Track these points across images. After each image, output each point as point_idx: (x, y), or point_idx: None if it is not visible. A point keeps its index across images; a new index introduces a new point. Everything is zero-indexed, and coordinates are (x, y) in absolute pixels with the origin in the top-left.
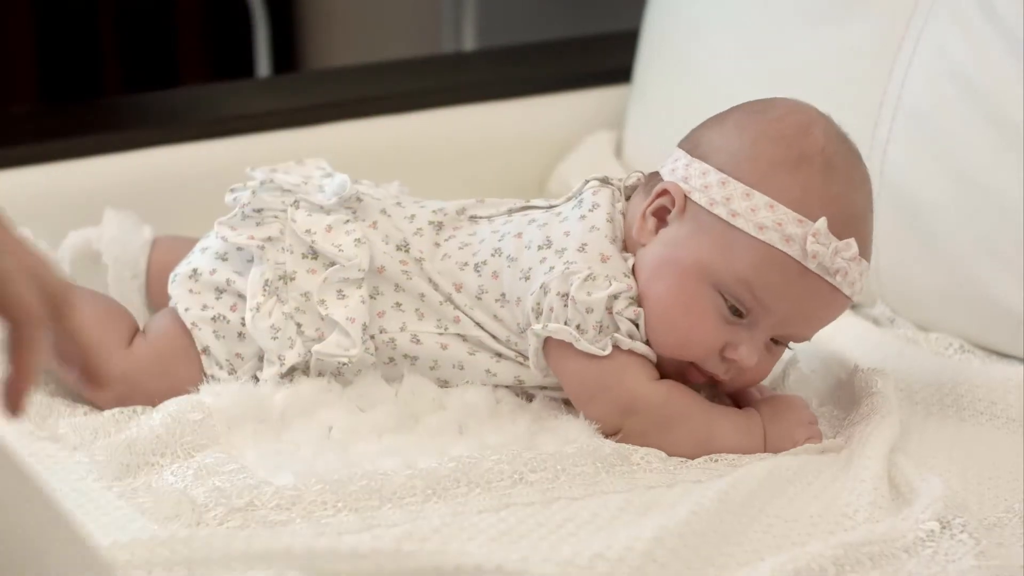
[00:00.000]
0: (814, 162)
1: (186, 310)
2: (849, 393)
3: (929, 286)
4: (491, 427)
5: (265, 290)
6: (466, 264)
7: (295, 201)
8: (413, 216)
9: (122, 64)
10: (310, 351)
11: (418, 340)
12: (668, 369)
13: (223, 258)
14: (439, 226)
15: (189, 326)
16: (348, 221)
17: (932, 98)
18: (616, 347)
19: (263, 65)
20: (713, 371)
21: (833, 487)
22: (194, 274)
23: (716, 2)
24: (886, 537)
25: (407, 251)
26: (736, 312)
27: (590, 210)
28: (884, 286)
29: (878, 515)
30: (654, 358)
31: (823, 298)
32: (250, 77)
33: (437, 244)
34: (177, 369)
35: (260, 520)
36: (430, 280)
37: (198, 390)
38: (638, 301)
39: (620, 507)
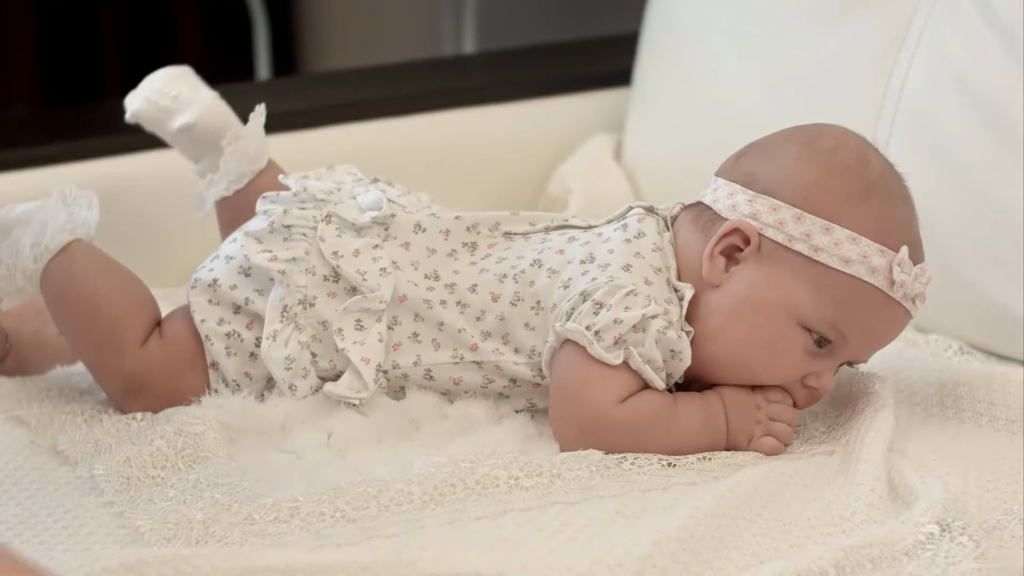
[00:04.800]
0: (879, 191)
1: (202, 321)
2: (846, 393)
3: (929, 288)
4: (490, 433)
5: (283, 317)
6: (504, 276)
7: (327, 215)
8: (448, 232)
9: (122, 67)
10: (321, 380)
11: (431, 376)
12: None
13: (246, 273)
14: (473, 247)
15: (203, 338)
16: (377, 246)
17: (932, 100)
18: (626, 362)
19: (263, 68)
20: (795, 399)
21: (830, 489)
22: (214, 284)
23: (716, 5)
24: (886, 540)
25: (436, 279)
26: (820, 345)
27: (636, 236)
28: None
29: (875, 515)
30: (661, 387)
31: (898, 323)
32: (250, 80)
33: (473, 263)
34: (184, 377)
35: (260, 533)
36: (459, 303)
37: (200, 402)
38: (679, 328)
39: (616, 510)
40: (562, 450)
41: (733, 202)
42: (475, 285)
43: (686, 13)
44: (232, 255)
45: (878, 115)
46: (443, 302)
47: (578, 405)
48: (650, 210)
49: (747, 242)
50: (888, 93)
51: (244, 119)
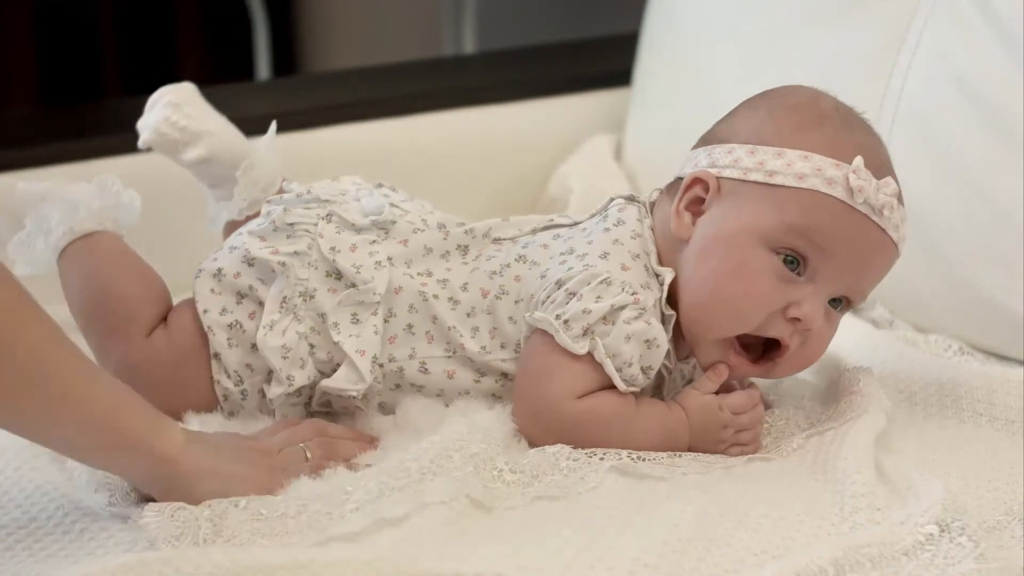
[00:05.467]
0: (833, 119)
1: (205, 311)
2: (835, 392)
3: (928, 288)
4: (481, 416)
5: (282, 307)
6: (494, 273)
7: (328, 214)
8: (447, 232)
9: (122, 67)
10: (319, 372)
11: (426, 369)
12: (710, 358)
13: (249, 263)
14: (465, 250)
15: (206, 329)
16: (375, 242)
17: (932, 101)
18: (590, 354)
19: (263, 68)
20: (779, 334)
21: (812, 486)
22: (218, 273)
23: (716, 5)
24: (885, 540)
25: (429, 276)
26: (793, 264)
27: (615, 224)
28: (883, 288)
29: (861, 503)
30: (622, 387)
31: (874, 241)
32: (250, 80)
33: (464, 263)
34: (187, 367)
35: (267, 532)
36: (450, 299)
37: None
38: (656, 313)
39: (595, 506)
40: (519, 431)
41: (695, 162)
42: (466, 284)
43: (686, 13)
44: (236, 246)
45: (878, 115)
46: (436, 296)
47: (535, 392)
48: (631, 199)
49: (708, 190)
50: (888, 93)
51: (245, 119)
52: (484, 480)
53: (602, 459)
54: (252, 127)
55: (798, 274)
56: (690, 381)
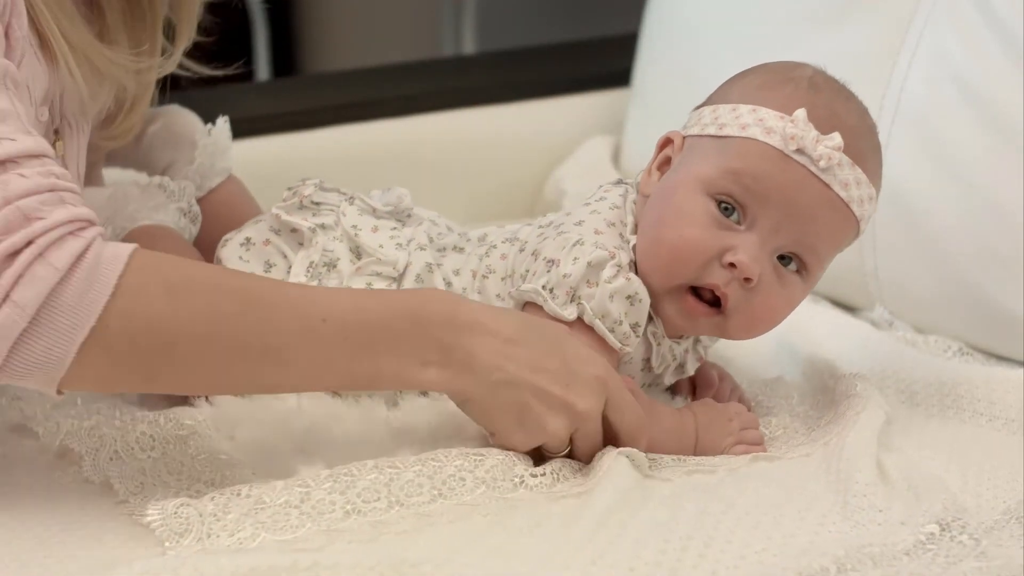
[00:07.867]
0: (800, 83)
1: None
2: (830, 397)
3: (928, 289)
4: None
5: (308, 273)
6: (483, 256)
7: (350, 197)
8: (449, 229)
9: None
10: None
11: None
12: (669, 310)
13: (276, 232)
14: (461, 250)
15: None
16: (395, 228)
17: (932, 102)
18: (580, 318)
19: (263, 69)
20: (714, 281)
21: (814, 485)
22: (247, 242)
23: (715, 6)
24: (887, 540)
25: (434, 253)
26: (729, 211)
27: (596, 200)
28: (883, 289)
29: (863, 503)
30: (617, 345)
31: (814, 194)
32: (250, 80)
33: (460, 256)
34: None
35: (270, 525)
36: (444, 279)
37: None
38: (630, 270)
39: (597, 504)
40: None
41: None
42: (459, 269)
43: (686, 13)
44: (261, 219)
45: (878, 115)
46: (432, 273)
47: None
48: (618, 182)
49: (675, 149)
50: (888, 93)
51: (245, 119)
52: (502, 492)
53: (614, 459)
54: (252, 127)
55: (737, 222)
56: (681, 365)
